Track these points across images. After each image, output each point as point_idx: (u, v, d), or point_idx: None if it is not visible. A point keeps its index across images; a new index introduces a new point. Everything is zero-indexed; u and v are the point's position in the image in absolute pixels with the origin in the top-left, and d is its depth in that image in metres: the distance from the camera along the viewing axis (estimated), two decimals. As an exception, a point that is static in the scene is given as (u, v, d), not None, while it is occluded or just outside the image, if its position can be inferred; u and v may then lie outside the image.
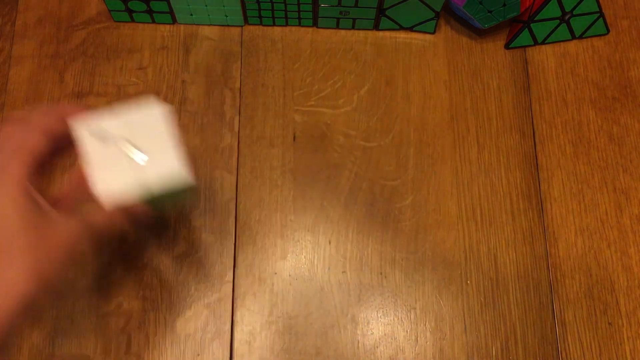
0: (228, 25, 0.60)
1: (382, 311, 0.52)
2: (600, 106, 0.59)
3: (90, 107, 0.38)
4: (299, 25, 0.60)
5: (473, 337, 0.52)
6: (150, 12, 0.58)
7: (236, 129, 0.57)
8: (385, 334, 0.52)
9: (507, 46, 0.60)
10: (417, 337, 0.52)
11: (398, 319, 0.52)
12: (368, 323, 0.52)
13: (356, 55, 0.60)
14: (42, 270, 0.34)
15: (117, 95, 0.57)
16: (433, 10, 0.57)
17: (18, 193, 0.34)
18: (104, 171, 0.36)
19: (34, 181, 0.35)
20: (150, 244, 0.53)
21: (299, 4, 0.57)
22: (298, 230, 0.54)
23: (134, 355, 0.51)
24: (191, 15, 0.58)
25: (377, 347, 0.51)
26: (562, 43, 0.61)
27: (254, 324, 0.52)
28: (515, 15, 0.57)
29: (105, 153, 0.36)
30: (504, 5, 0.56)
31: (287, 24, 0.60)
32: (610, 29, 0.61)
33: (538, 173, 0.56)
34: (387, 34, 0.60)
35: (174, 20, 0.60)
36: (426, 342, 0.52)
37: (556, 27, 0.59)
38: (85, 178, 0.37)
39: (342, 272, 0.53)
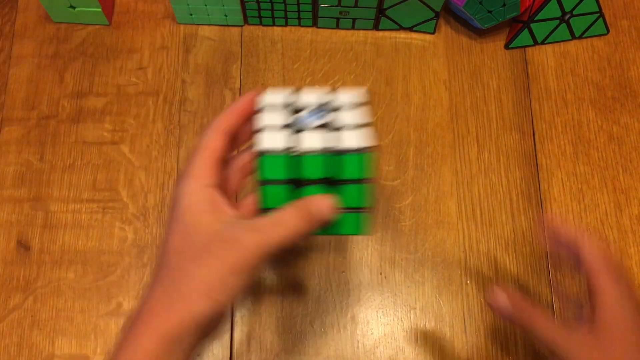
0: (228, 25, 0.60)
1: (382, 311, 0.52)
2: (600, 106, 0.59)
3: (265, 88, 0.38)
4: (299, 25, 0.60)
5: (473, 337, 0.52)
6: None
7: (236, 129, 0.57)
8: (385, 334, 0.52)
9: (507, 46, 0.60)
10: (417, 337, 0.52)
11: (398, 319, 0.52)
12: (368, 323, 0.52)
13: (356, 55, 0.60)
14: (217, 292, 0.32)
15: (117, 95, 0.57)
16: (433, 10, 0.57)
17: (203, 197, 0.34)
18: (276, 133, 0.35)
19: (217, 180, 0.35)
20: (150, 243, 0.53)
21: (298, 4, 0.57)
22: (298, 230, 0.54)
23: (134, 355, 0.51)
24: (191, 15, 0.58)
25: (377, 347, 0.51)
26: (562, 43, 0.61)
27: (253, 324, 0.52)
28: (515, 15, 0.57)
29: (282, 119, 0.36)
30: (504, 5, 0.56)
31: (286, 24, 0.60)
32: (610, 29, 0.61)
33: (538, 173, 0.56)
34: (387, 34, 0.60)
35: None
36: (426, 342, 0.52)
37: (556, 27, 0.59)
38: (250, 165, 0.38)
39: (342, 272, 0.53)
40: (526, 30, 0.59)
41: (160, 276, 0.34)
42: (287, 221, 0.34)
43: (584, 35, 0.61)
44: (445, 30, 0.61)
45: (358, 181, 0.35)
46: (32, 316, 0.51)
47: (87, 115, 0.57)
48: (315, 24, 0.60)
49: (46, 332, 0.51)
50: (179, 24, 0.60)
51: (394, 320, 0.52)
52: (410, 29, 0.60)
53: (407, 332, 0.52)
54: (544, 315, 0.39)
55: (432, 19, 0.58)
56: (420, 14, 0.58)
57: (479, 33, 0.61)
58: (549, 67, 0.60)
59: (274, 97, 0.37)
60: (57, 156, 0.56)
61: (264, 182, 0.35)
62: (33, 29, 0.60)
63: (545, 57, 0.60)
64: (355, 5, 0.56)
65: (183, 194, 0.34)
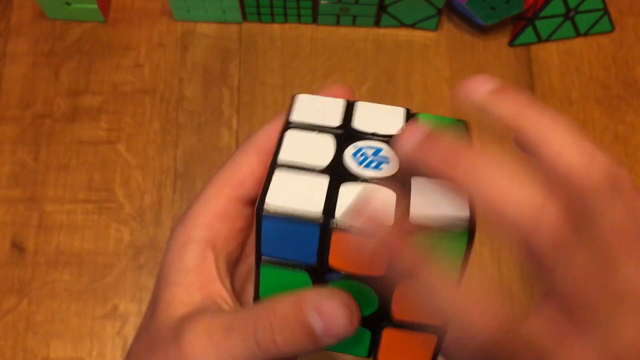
0: (226, 22, 0.59)
1: (383, 314, 0.52)
2: (605, 105, 0.58)
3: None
4: (299, 22, 0.59)
5: (476, 340, 0.51)
6: None
7: (234, 128, 0.56)
8: (386, 337, 0.51)
9: (510, 43, 0.59)
10: (419, 340, 0.51)
11: (399, 321, 0.51)
12: (369, 326, 0.51)
13: (357, 52, 0.59)
14: None
15: (113, 93, 0.57)
16: (435, 7, 0.56)
17: (186, 258, 0.23)
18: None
19: (226, 232, 0.24)
20: (146, 245, 0.53)
21: (298, 1, 0.56)
22: (297, 231, 0.53)
23: (130, 359, 0.50)
24: (188, 11, 0.58)
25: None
26: (566, 40, 0.60)
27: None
28: (519, 12, 0.56)
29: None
30: (507, 2, 0.55)
31: (286, 21, 0.59)
32: (615, 26, 0.60)
33: (542, 173, 0.56)
34: (388, 31, 0.60)
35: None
36: (428, 346, 0.51)
37: (560, 25, 0.59)
38: None
39: (342, 273, 0.52)
40: (530, 27, 0.58)
41: None
42: (255, 329, 0.20)
43: (589, 33, 0.60)
44: (447, 27, 0.60)
45: None
46: (26, 319, 0.50)
47: (82, 114, 0.56)
48: (315, 21, 0.59)
49: (41, 335, 0.50)
50: (176, 20, 0.59)
51: (395, 323, 0.51)
52: (412, 26, 0.59)
53: (408, 335, 0.51)
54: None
55: (434, 16, 0.58)
56: (422, 10, 0.57)
57: (482, 30, 0.60)
58: (553, 65, 0.59)
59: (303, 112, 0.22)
60: (52, 156, 0.55)
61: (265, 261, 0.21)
62: (28, 26, 0.59)
63: (549, 54, 0.59)
64: (356, 2, 0.55)
65: (166, 251, 0.24)
